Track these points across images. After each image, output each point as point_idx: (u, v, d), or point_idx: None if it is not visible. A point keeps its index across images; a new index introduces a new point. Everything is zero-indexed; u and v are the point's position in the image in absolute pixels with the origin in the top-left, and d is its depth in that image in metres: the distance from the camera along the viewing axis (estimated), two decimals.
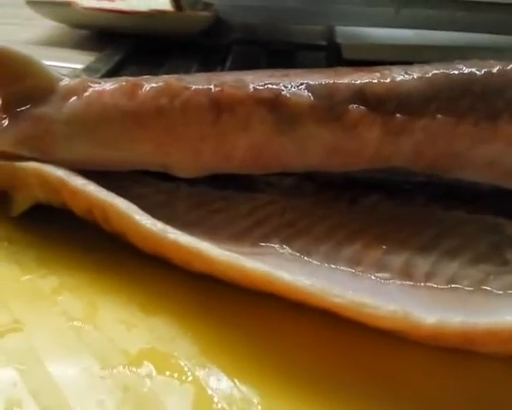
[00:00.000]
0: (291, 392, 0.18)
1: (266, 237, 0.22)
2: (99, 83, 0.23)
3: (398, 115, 0.21)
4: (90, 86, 0.23)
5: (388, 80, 0.22)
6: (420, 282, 0.20)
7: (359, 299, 0.17)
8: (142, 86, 0.22)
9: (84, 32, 0.52)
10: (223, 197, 0.24)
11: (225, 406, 0.17)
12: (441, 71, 0.22)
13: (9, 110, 0.23)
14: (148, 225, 0.20)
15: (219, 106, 0.22)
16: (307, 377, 0.18)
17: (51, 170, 0.22)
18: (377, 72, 0.22)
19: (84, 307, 0.20)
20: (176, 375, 0.18)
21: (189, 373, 0.18)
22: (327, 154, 0.22)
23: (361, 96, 0.22)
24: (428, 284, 0.20)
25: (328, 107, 0.22)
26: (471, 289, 0.20)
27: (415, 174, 0.23)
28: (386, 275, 0.20)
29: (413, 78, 0.22)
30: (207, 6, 0.49)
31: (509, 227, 0.22)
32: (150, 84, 0.23)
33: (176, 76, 0.23)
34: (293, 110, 0.22)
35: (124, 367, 0.18)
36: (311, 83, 0.22)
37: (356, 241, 0.22)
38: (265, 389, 0.17)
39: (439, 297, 0.19)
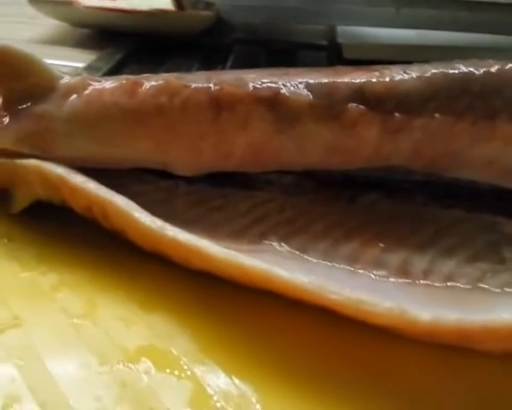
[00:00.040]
0: (289, 389, 0.18)
1: (265, 235, 0.22)
2: (99, 81, 0.23)
3: (396, 114, 0.21)
4: (91, 84, 0.23)
5: (387, 79, 0.22)
6: (417, 280, 0.20)
7: (356, 296, 0.17)
8: (142, 84, 0.23)
9: (85, 30, 0.52)
10: (222, 195, 0.24)
11: (223, 402, 0.17)
12: (440, 70, 0.22)
13: (10, 108, 0.24)
14: (147, 223, 0.20)
15: (219, 104, 0.22)
16: (305, 375, 0.18)
17: (51, 167, 0.22)
18: (376, 71, 0.22)
19: (84, 304, 0.20)
20: (174, 371, 0.18)
21: (187, 370, 0.18)
22: (326, 152, 0.22)
23: (360, 95, 0.22)
24: (425, 281, 0.20)
25: (328, 105, 0.22)
26: (468, 287, 0.20)
27: (414, 173, 0.23)
28: (384, 273, 0.20)
29: (412, 77, 0.22)
30: (209, 5, 0.49)
31: (507, 226, 0.23)
32: (150, 82, 0.23)
33: (176, 74, 0.23)
34: (293, 109, 0.22)
35: (122, 363, 0.18)
36: (311, 82, 0.22)
37: (354, 239, 0.22)
38: (263, 386, 0.18)
39: (436, 295, 0.19)
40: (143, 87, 0.22)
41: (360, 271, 0.21)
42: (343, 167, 0.23)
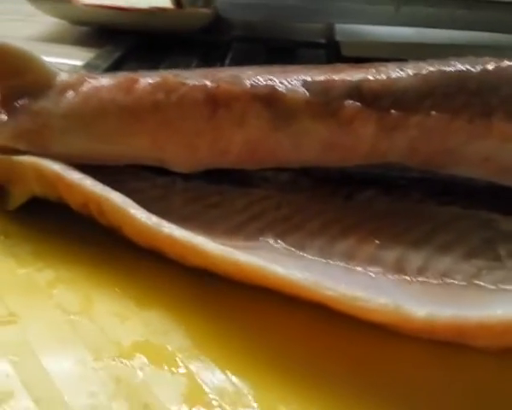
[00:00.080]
0: (284, 385, 0.18)
1: (261, 232, 0.22)
2: (96, 78, 0.23)
3: (393, 111, 0.21)
4: (88, 81, 0.23)
5: (384, 77, 0.22)
6: (413, 276, 0.20)
7: (351, 292, 0.17)
8: (138, 81, 0.23)
9: (84, 28, 0.53)
10: (218, 192, 0.24)
11: (218, 398, 0.17)
12: (436, 68, 0.22)
13: (8, 105, 0.24)
14: (143, 219, 0.20)
15: (215, 101, 0.22)
16: (300, 371, 0.18)
17: (48, 164, 0.22)
18: (373, 68, 0.22)
19: (80, 300, 0.20)
20: (169, 367, 0.18)
21: (183, 366, 0.18)
22: (322, 149, 0.22)
23: (357, 92, 0.22)
24: (421, 278, 0.20)
25: (324, 102, 0.22)
26: (463, 283, 0.20)
27: (410, 170, 0.23)
28: (380, 269, 0.20)
29: (408, 74, 0.22)
30: (207, 3, 0.49)
31: (503, 223, 0.23)
32: (147, 79, 0.23)
33: (172, 72, 0.23)
34: (289, 106, 0.22)
35: (117, 359, 0.18)
36: (307, 79, 0.22)
37: (350, 236, 0.22)
38: (258, 382, 0.18)
39: (431, 291, 0.19)
40: (140, 84, 0.22)
41: (356, 268, 0.21)
42: (340, 164, 0.23)
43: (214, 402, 0.17)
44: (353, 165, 0.23)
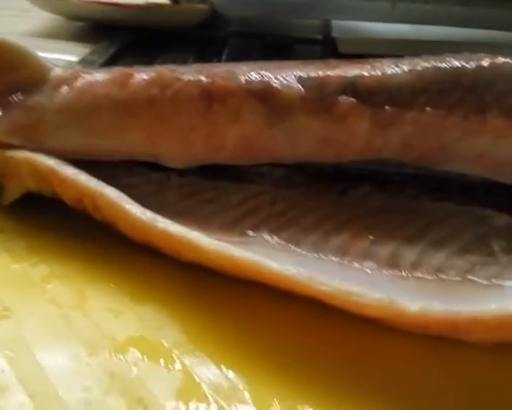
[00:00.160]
0: (278, 380, 0.18)
1: (256, 227, 0.22)
2: (91, 73, 0.23)
3: (387, 107, 0.21)
4: (82, 76, 0.23)
5: (379, 73, 0.22)
6: (406, 272, 0.20)
7: (345, 287, 0.17)
8: (133, 76, 0.23)
9: (79, 24, 0.52)
10: (213, 188, 0.24)
11: (212, 393, 0.17)
12: (432, 64, 0.22)
13: (2, 100, 0.24)
14: (137, 215, 0.20)
15: (210, 97, 0.22)
16: (295, 366, 0.18)
17: (42, 159, 0.22)
18: (368, 64, 0.22)
19: (74, 295, 0.20)
20: (163, 362, 0.18)
21: (177, 360, 0.18)
22: (317, 145, 0.22)
23: (352, 87, 0.22)
24: (415, 273, 0.20)
25: (319, 98, 0.22)
26: (457, 279, 0.20)
27: (405, 166, 0.23)
28: (374, 265, 0.20)
29: (403, 71, 0.22)
30: None
31: (497, 218, 0.23)
32: (142, 74, 0.23)
33: (168, 67, 0.23)
34: (284, 102, 0.22)
35: (111, 354, 0.18)
36: (302, 75, 0.22)
37: (344, 231, 0.22)
38: (253, 377, 0.18)
39: (425, 287, 0.19)
40: (135, 79, 0.22)
41: (350, 263, 0.21)
42: (334, 160, 0.23)
43: (209, 397, 0.17)
44: (348, 161, 0.23)
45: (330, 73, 0.22)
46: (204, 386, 0.17)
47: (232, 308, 0.20)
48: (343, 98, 0.21)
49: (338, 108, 0.22)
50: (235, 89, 0.22)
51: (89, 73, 0.23)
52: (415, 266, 0.20)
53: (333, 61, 0.23)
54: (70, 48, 0.46)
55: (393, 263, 0.20)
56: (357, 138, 0.22)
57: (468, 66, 0.22)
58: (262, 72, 0.22)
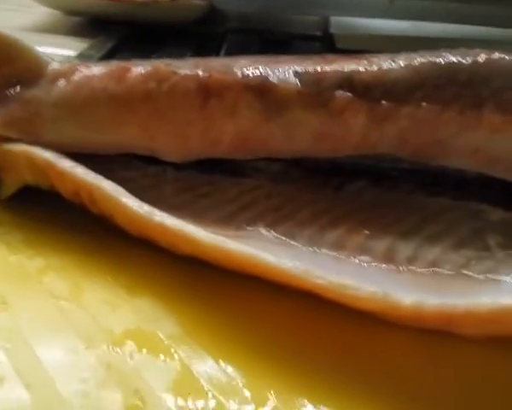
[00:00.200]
0: (274, 373, 0.18)
1: (252, 221, 0.22)
2: (88, 67, 0.23)
3: (383, 102, 0.21)
4: (79, 70, 0.23)
5: (375, 68, 0.22)
6: (402, 266, 0.20)
7: (340, 280, 0.18)
8: (130, 70, 0.23)
9: (77, 18, 0.52)
10: (210, 182, 0.24)
11: (209, 385, 0.17)
12: (428, 59, 0.22)
13: None
14: (134, 208, 0.20)
15: (207, 91, 0.22)
16: (290, 359, 0.18)
17: (39, 152, 0.22)
18: (364, 59, 0.22)
19: (70, 288, 0.20)
20: (160, 355, 0.18)
21: (174, 353, 0.18)
22: (313, 139, 0.22)
23: (348, 82, 0.22)
24: (410, 267, 0.20)
25: (316, 93, 0.22)
26: (452, 273, 0.20)
27: (401, 161, 0.24)
28: (369, 259, 0.21)
29: (400, 66, 0.22)
30: None
31: (492, 213, 0.23)
32: (139, 68, 0.23)
33: (164, 61, 0.23)
34: (281, 96, 0.22)
35: (107, 346, 0.18)
36: (299, 69, 0.22)
37: (340, 226, 0.22)
38: (249, 370, 0.18)
39: (420, 281, 0.20)
40: (132, 73, 0.22)
41: (345, 257, 0.21)
42: (331, 155, 0.23)
43: (205, 389, 0.17)
44: (344, 155, 0.23)
45: (327, 67, 0.22)
46: (200, 378, 0.17)
47: (228, 301, 0.20)
48: (339, 93, 0.22)
49: (334, 103, 0.22)
50: (232, 83, 0.22)
51: (86, 67, 0.23)
52: (410, 260, 0.20)
53: (330, 56, 0.23)
54: (68, 42, 0.46)
55: (389, 257, 0.21)
56: (353, 133, 0.22)
57: (464, 61, 0.22)
58: (259, 66, 0.22)
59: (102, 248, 0.22)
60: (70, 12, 0.52)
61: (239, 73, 0.22)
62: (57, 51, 0.41)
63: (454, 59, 0.22)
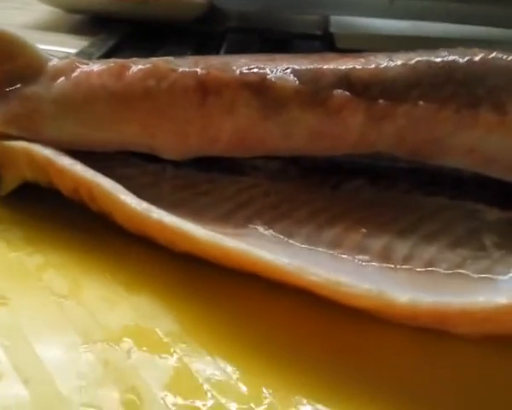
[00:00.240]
0: (271, 370, 0.18)
1: (250, 219, 0.22)
2: (87, 64, 0.23)
3: (381, 101, 0.22)
4: (79, 67, 0.23)
5: (373, 66, 0.22)
6: (398, 264, 0.20)
7: (335, 277, 0.18)
8: (129, 68, 0.23)
9: (78, 16, 0.53)
10: (208, 180, 0.25)
11: (205, 382, 0.17)
12: (425, 58, 0.22)
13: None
14: (133, 205, 0.21)
15: (205, 88, 0.22)
16: (287, 356, 0.18)
17: (39, 149, 0.22)
18: (362, 58, 0.23)
19: (69, 284, 0.21)
20: (157, 351, 0.18)
21: (171, 350, 0.18)
22: (311, 138, 0.22)
23: (346, 81, 0.22)
24: (406, 266, 0.20)
25: (313, 91, 0.22)
26: (448, 272, 0.20)
27: (399, 160, 0.24)
28: (366, 257, 0.21)
29: (397, 64, 0.22)
30: None
31: (488, 213, 0.23)
32: (138, 65, 0.23)
33: (163, 58, 0.23)
34: (279, 94, 0.22)
35: (105, 343, 0.18)
36: (297, 67, 0.22)
37: (337, 224, 0.22)
38: (246, 367, 0.18)
39: (416, 279, 0.20)
40: (131, 70, 0.23)
41: (342, 255, 0.21)
42: (329, 153, 0.23)
43: (202, 386, 0.17)
44: (342, 154, 0.23)
45: (325, 66, 0.22)
46: (197, 375, 0.17)
47: (225, 299, 0.20)
48: (337, 92, 0.22)
49: (332, 102, 0.22)
50: (230, 80, 0.22)
51: (86, 65, 0.23)
52: (406, 259, 0.21)
53: (328, 55, 0.24)
54: (69, 40, 0.46)
55: (385, 256, 0.21)
56: (351, 131, 0.22)
57: (460, 60, 0.22)
58: (257, 64, 0.23)
59: (102, 246, 0.22)
60: (71, 10, 0.52)
61: (237, 71, 0.22)
62: (58, 49, 0.41)
63: (450, 58, 0.22)
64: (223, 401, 0.17)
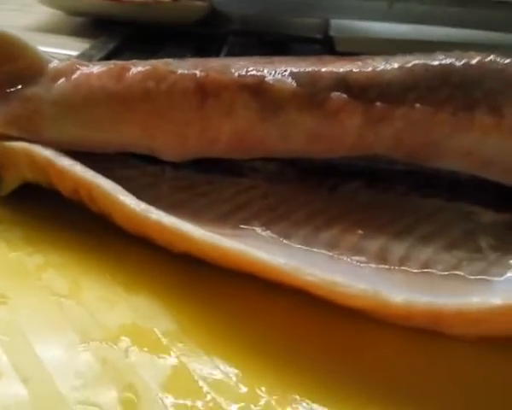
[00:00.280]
0: (268, 370, 0.18)
1: (248, 221, 0.22)
2: (87, 65, 0.24)
3: (378, 103, 0.22)
4: (79, 69, 0.23)
5: (370, 69, 0.22)
6: (394, 266, 0.20)
7: (331, 277, 0.18)
8: (129, 70, 0.23)
9: (79, 19, 0.53)
10: (207, 181, 0.25)
11: (203, 381, 0.17)
12: (422, 61, 0.22)
13: (0, 91, 0.24)
14: (132, 206, 0.21)
15: (204, 91, 0.22)
16: (284, 356, 0.18)
17: (39, 150, 0.23)
18: (360, 61, 0.23)
19: (69, 284, 0.21)
20: (155, 351, 0.18)
21: (169, 350, 0.18)
22: (309, 140, 0.23)
23: (343, 83, 0.22)
24: (402, 267, 0.20)
25: (311, 94, 0.22)
26: (444, 273, 0.20)
27: (396, 163, 0.24)
28: (362, 259, 0.21)
29: (394, 67, 0.22)
30: None
31: (484, 215, 0.23)
32: (137, 67, 0.23)
33: (163, 60, 0.24)
34: (277, 96, 0.22)
35: (104, 342, 0.18)
36: (295, 70, 0.22)
37: (334, 226, 0.22)
38: (243, 367, 0.18)
39: (412, 280, 0.20)
40: (131, 72, 0.23)
41: (339, 256, 0.21)
42: (326, 155, 0.23)
43: (199, 385, 0.17)
44: (339, 156, 0.23)
45: (323, 69, 0.22)
46: (194, 375, 0.17)
47: (223, 299, 0.20)
48: (335, 94, 0.22)
49: (330, 104, 0.22)
50: (229, 83, 0.22)
51: (86, 66, 0.24)
52: (403, 260, 0.21)
53: (326, 58, 0.24)
54: (70, 43, 0.47)
55: (382, 257, 0.21)
56: (348, 134, 0.22)
57: (456, 63, 0.22)
58: (256, 66, 0.23)
59: (101, 246, 0.22)
60: (72, 12, 0.53)
61: (236, 73, 0.23)
62: (59, 51, 0.42)
63: (447, 61, 0.22)
64: (220, 399, 0.17)
